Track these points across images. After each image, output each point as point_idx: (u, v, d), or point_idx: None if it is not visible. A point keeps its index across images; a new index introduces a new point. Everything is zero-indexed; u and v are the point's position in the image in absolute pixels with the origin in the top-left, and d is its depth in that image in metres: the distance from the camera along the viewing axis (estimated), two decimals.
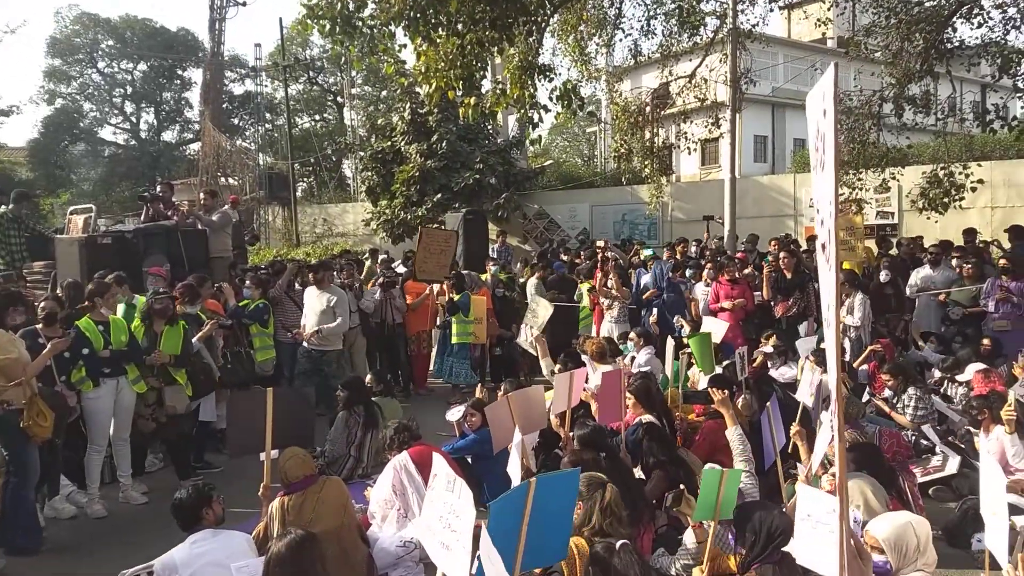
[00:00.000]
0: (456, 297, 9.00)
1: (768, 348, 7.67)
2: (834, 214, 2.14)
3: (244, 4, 29.58)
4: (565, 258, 12.15)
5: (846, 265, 9.34)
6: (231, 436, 4.74)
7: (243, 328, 7.73)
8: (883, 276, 9.08)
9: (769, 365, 7.46)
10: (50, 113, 37.66)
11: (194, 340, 6.38)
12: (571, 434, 4.60)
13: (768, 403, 4.78)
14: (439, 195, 17.64)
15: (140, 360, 5.96)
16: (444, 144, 18.00)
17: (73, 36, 37.89)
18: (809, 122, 2.40)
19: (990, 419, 5.33)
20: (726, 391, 4.92)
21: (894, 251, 10.87)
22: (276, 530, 3.74)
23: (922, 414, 6.17)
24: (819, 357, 6.37)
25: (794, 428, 4.77)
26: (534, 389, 4.90)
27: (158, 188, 10.35)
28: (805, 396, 5.11)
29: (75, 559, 4.99)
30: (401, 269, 11.68)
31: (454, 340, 9.00)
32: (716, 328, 7.34)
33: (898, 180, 11.60)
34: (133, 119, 41.50)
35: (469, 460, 5.46)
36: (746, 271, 9.64)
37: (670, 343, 6.74)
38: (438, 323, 9.42)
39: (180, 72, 40.60)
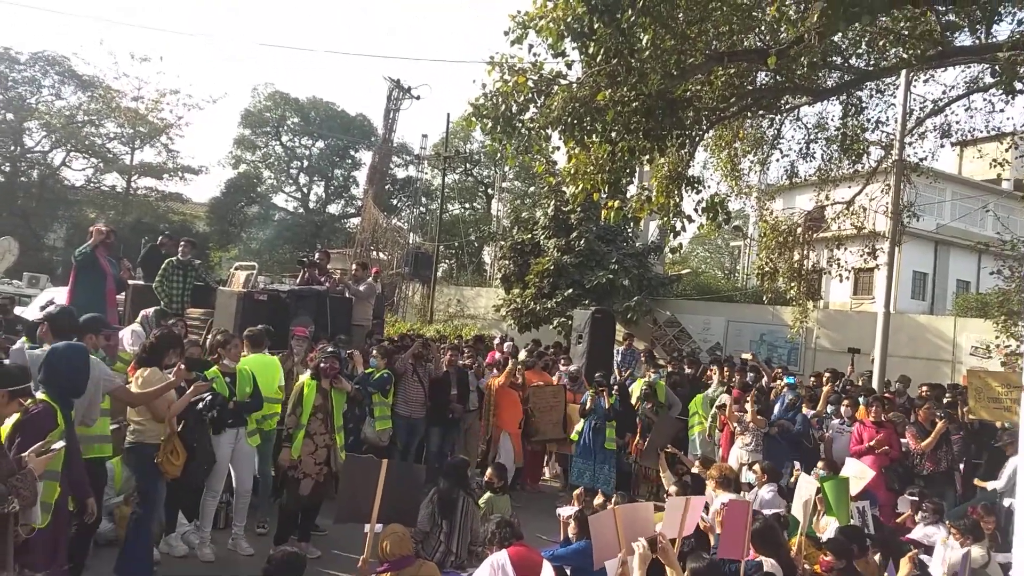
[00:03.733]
0: (613, 401, 8.84)
1: (915, 498, 6.87)
2: None
3: (418, 98, 31.99)
4: (689, 370, 11.73)
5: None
6: (340, 502, 4.80)
7: (367, 396, 7.97)
8: None
9: (917, 520, 6.67)
10: (233, 176, 41.78)
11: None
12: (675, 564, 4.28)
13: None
14: (571, 290, 17.76)
15: (259, 411, 6.23)
16: (582, 242, 18.25)
17: (264, 111, 42.30)
18: None
19: None
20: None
21: None
22: None
23: None
24: (959, 525, 5.65)
25: None
26: (644, 506, 4.65)
27: (316, 255, 11.09)
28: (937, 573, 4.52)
29: None
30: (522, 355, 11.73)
31: (607, 446, 8.79)
32: (859, 472, 6.72)
33: None
34: (304, 190, 45.27)
35: (568, 572, 5.21)
36: (890, 415, 8.87)
37: (809, 488, 6.19)
38: (577, 428, 9.20)
39: (352, 153, 44.11)
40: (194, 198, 41.99)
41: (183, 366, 5.28)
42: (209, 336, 7.09)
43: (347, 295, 10.22)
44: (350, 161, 44.41)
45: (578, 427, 9.09)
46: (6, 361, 4.47)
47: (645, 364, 10.50)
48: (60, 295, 9.25)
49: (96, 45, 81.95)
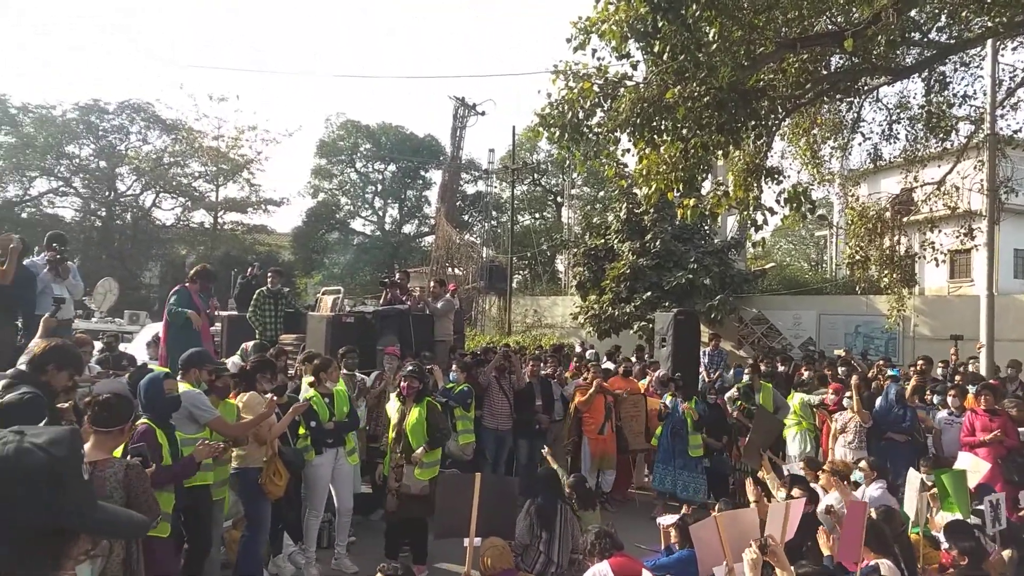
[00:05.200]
0: (692, 406, 8.66)
1: None
2: None
3: (483, 114, 32.37)
4: (782, 368, 11.34)
5: None
6: (438, 517, 4.84)
7: (448, 410, 8.06)
8: None
9: None
10: (313, 205, 43.34)
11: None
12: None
13: None
14: (649, 293, 17.49)
15: (357, 430, 6.39)
16: (658, 243, 17.96)
17: (338, 139, 43.69)
18: None
19: None
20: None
21: None
22: None
23: None
24: None
25: None
26: (747, 511, 4.50)
27: (396, 275, 11.35)
28: None
29: None
30: (608, 365, 11.62)
31: (692, 453, 8.62)
32: (973, 465, 6.33)
33: None
34: (380, 213, 46.43)
35: None
36: (1008, 401, 8.32)
37: (914, 479, 5.90)
38: (656, 433, 9.05)
39: (423, 173, 45.04)
40: (278, 229, 43.73)
41: (274, 396, 5.48)
42: (299, 360, 7.29)
43: (427, 312, 10.39)
44: (421, 181, 45.33)
45: (657, 431, 8.94)
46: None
47: (749, 369, 10.14)
48: (161, 330, 9.73)
49: (177, 89, 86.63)
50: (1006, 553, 5.19)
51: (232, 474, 5.52)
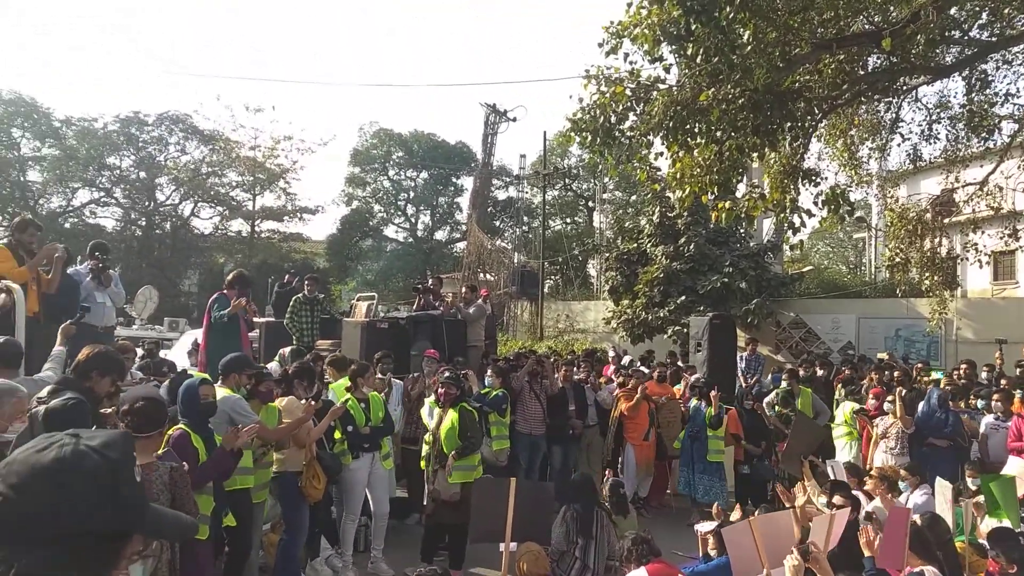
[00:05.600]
0: (711, 411, 8.59)
1: None
2: None
3: (514, 120, 32.40)
4: (821, 372, 11.14)
5: None
6: (473, 521, 4.86)
7: (483, 416, 8.06)
8: None
9: None
10: (347, 213, 43.80)
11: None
12: None
13: None
14: (683, 297, 17.31)
15: (392, 433, 6.44)
16: (692, 247, 17.78)
17: (371, 148, 44.10)
18: None
19: None
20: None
21: None
22: None
23: None
24: None
25: None
26: (783, 515, 4.42)
27: (429, 281, 11.42)
28: None
29: None
30: (643, 370, 11.54)
31: (711, 459, 8.54)
32: (1022, 471, 6.15)
33: None
34: (412, 220, 46.74)
35: None
36: None
37: (946, 491, 5.72)
38: (679, 436, 8.99)
39: (455, 180, 45.26)
40: (313, 236, 44.32)
41: (312, 401, 5.55)
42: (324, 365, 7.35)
43: (459, 317, 10.43)
44: (452, 188, 45.53)
45: (680, 435, 8.87)
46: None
47: (787, 375, 10.00)
48: (200, 336, 9.92)
49: (214, 101, 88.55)
50: None
51: (271, 478, 5.60)
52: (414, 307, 10.88)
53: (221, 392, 5.15)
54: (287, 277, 11.67)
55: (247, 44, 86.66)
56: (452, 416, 6.29)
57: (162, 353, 11.45)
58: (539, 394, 8.79)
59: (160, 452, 4.07)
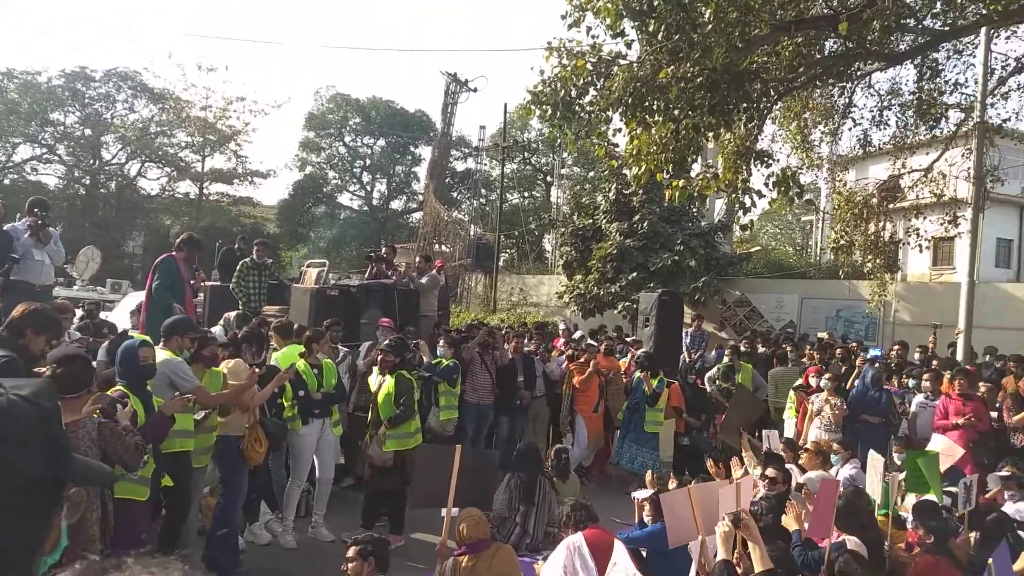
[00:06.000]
0: (655, 383, 8.75)
1: (1005, 473, 6.55)
2: None
3: (475, 91, 32.05)
4: (763, 350, 11.47)
5: None
6: (415, 489, 4.89)
7: (432, 385, 8.09)
8: None
9: (1006, 498, 6.36)
10: (300, 178, 42.97)
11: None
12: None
13: (997, 548, 4.02)
14: (635, 274, 17.54)
15: (345, 402, 6.41)
16: (645, 224, 17.98)
17: (327, 113, 43.24)
18: None
19: None
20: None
21: None
22: None
23: None
24: None
25: None
26: (719, 484, 4.57)
27: (383, 250, 11.29)
28: None
29: None
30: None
31: (647, 429, 8.72)
32: (946, 449, 6.44)
33: None
34: (368, 188, 46.12)
35: (643, 553, 5.17)
36: (980, 385, 8.48)
37: (877, 464, 5.98)
38: (624, 407, 9.17)
39: (412, 149, 44.72)
40: (264, 201, 43.44)
41: (255, 368, 5.48)
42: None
43: (412, 287, 10.38)
44: (410, 157, 45.03)
45: (623, 407, 9.07)
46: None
47: (730, 351, 10.29)
48: (143, 299, 9.66)
49: (165, 59, 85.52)
50: (972, 534, 5.29)
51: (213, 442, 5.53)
52: (366, 275, 10.78)
53: (162, 355, 5.04)
54: (237, 243, 11.42)
55: (201, 1, 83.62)
56: (389, 383, 6.31)
57: (103, 315, 11.13)
58: (489, 365, 8.84)
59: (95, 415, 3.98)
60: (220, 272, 11.00)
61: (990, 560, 3.90)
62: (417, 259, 11.66)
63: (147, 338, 5.19)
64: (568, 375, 9.34)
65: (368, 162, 44.91)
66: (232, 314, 8.06)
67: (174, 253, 7.75)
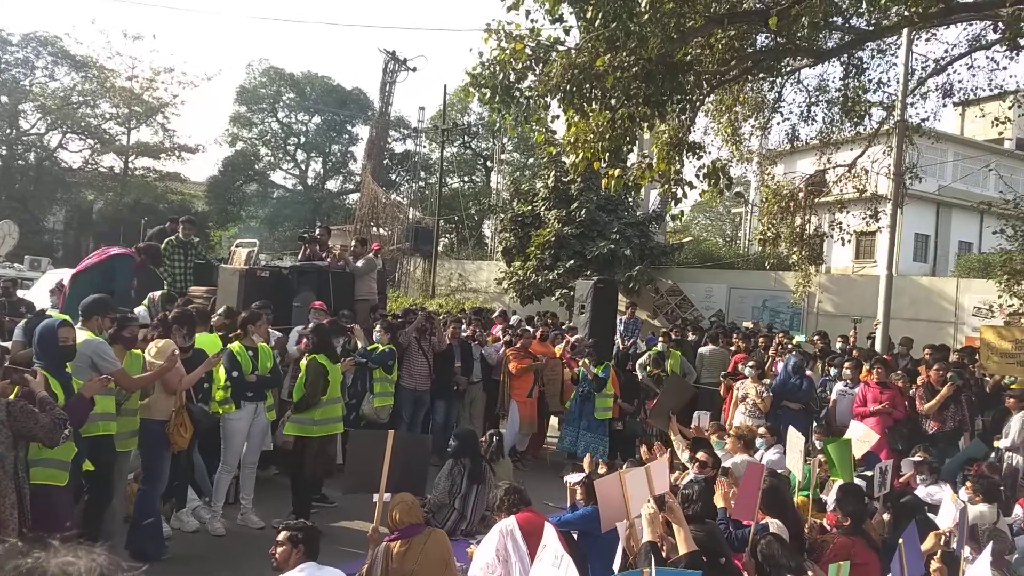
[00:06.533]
0: (599, 371, 8.88)
1: (917, 458, 6.94)
2: None
3: (414, 70, 31.60)
4: (692, 337, 11.79)
5: (1014, 386, 8.43)
6: (347, 474, 4.85)
7: (367, 371, 8.00)
8: None
9: (918, 482, 6.75)
10: (230, 154, 41.64)
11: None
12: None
13: (905, 528, 4.26)
14: (572, 261, 17.73)
15: (279, 387, 6.28)
16: (583, 212, 18.17)
17: (260, 87, 41.98)
18: None
19: None
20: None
21: None
22: (378, 573, 3.74)
23: None
24: (977, 484, 5.75)
25: (935, 565, 4.23)
26: (648, 467, 4.67)
27: (317, 231, 11.07)
28: (946, 526, 4.59)
29: (190, 571, 5.23)
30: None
31: (598, 416, 8.85)
32: (863, 435, 6.76)
33: None
34: (302, 166, 45.08)
35: (575, 536, 5.26)
36: (895, 374, 8.92)
37: (798, 443, 6.25)
38: (572, 395, 9.28)
39: (349, 128, 43.87)
40: (192, 177, 41.99)
41: (176, 351, 5.32)
42: (216, 314, 7.06)
43: (347, 271, 10.22)
44: (347, 136, 44.20)
45: (572, 395, 9.20)
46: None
47: (661, 337, 10.60)
48: (66, 277, 9.22)
49: (88, 24, 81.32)
50: (886, 516, 5.58)
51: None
52: (299, 257, 10.55)
53: (82, 335, 4.84)
54: (168, 224, 11.02)
55: None
56: (302, 366, 6.27)
57: (20, 293, 10.61)
58: (426, 351, 8.80)
59: (12, 397, 3.80)
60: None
61: (900, 539, 4.13)
62: (354, 242, 11.47)
63: (67, 317, 4.98)
64: (504, 361, 9.39)
65: (303, 139, 43.88)
66: (157, 294, 7.79)
67: (133, 254, 7.41)
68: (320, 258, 10.20)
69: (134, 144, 39.27)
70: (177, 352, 5.23)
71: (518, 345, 9.49)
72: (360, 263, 10.40)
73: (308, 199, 41.71)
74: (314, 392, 6.14)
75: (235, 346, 6.03)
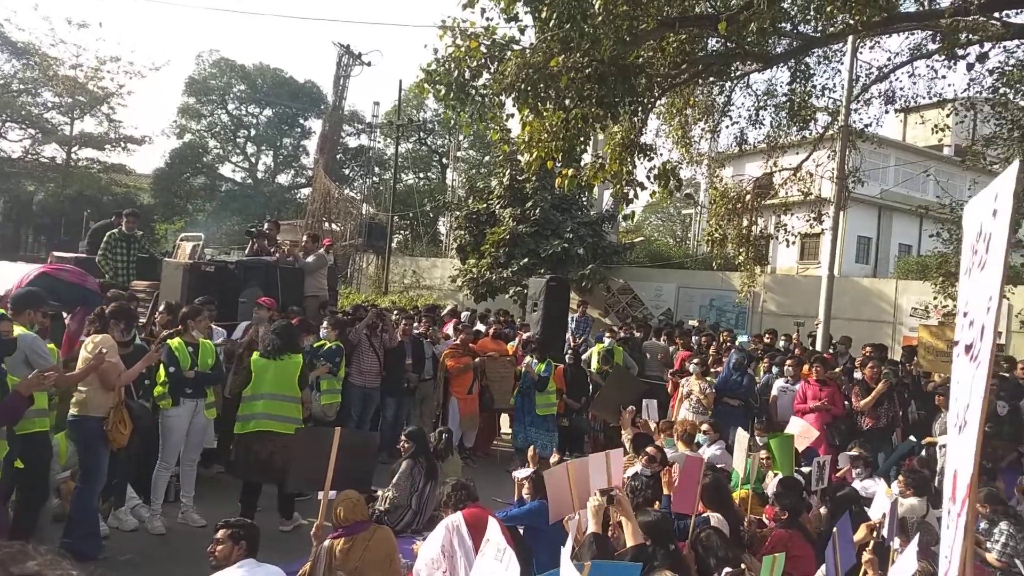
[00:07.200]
0: (540, 369, 8.93)
1: (854, 453, 7.17)
2: (994, 311, 2.00)
3: (368, 64, 31.33)
4: (638, 334, 11.97)
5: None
6: (293, 471, 4.79)
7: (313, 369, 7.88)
8: (1000, 408, 7.89)
9: (854, 476, 6.98)
10: (178, 146, 40.59)
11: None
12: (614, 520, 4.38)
13: (839, 520, 4.42)
14: (526, 259, 17.83)
15: (221, 384, 6.16)
16: (537, 211, 18.28)
17: (209, 78, 41.01)
18: (969, 223, 2.28)
19: None
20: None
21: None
22: (321, 570, 3.72)
23: (1011, 551, 5.57)
24: (910, 478, 5.96)
25: (866, 556, 4.38)
26: (595, 459, 4.74)
27: (265, 225, 10.86)
28: (877, 518, 4.77)
29: (128, 570, 5.11)
30: (480, 327, 11.80)
31: (539, 412, 8.90)
32: (803, 431, 6.96)
33: (1008, 298, 10.88)
34: (252, 159, 44.20)
35: (521, 531, 5.30)
36: (836, 370, 9.21)
37: (742, 439, 6.41)
38: (515, 392, 9.32)
39: (302, 121, 43.16)
40: (138, 169, 40.75)
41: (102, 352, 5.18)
42: (159, 311, 6.91)
43: (297, 266, 10.07)
44: (299, 130, 43.53)
45: (515, 391, 9.27)
46: None
47: (608, 333, 10.78)
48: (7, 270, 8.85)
49: (30, 10, 78.18)
50: (823, 509, 5.75)
51: (70, 422, 5.21)
52: (246, 252, 10.35)
53: (17, 330, 4.69)
54: (114, 217, 10.71)
55: None
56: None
57: None
58: (377, 348, 8.73)
59: None
60: (89, 245, 10.28)
61: (835, 528, 4.28)
62: (304, 237, 11.29)
63: (4, 311, 4.82)
64: (443, 358, 9.38)
65: (253, 132, 43.04)
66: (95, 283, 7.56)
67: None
68: (268, 253, 10.02)
69: (78, 134, 37.95)
70: (102, 351, 5.06)
71: (457, 342, 9.49)
72: (310, 259, 10.25)
73: (258, 193, 40.94)
74: (235, 383, 6.10)
75: (174, 341, 5.90)
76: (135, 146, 39.08)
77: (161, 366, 5.85)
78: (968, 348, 2.13)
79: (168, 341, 5.94)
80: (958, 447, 2.13)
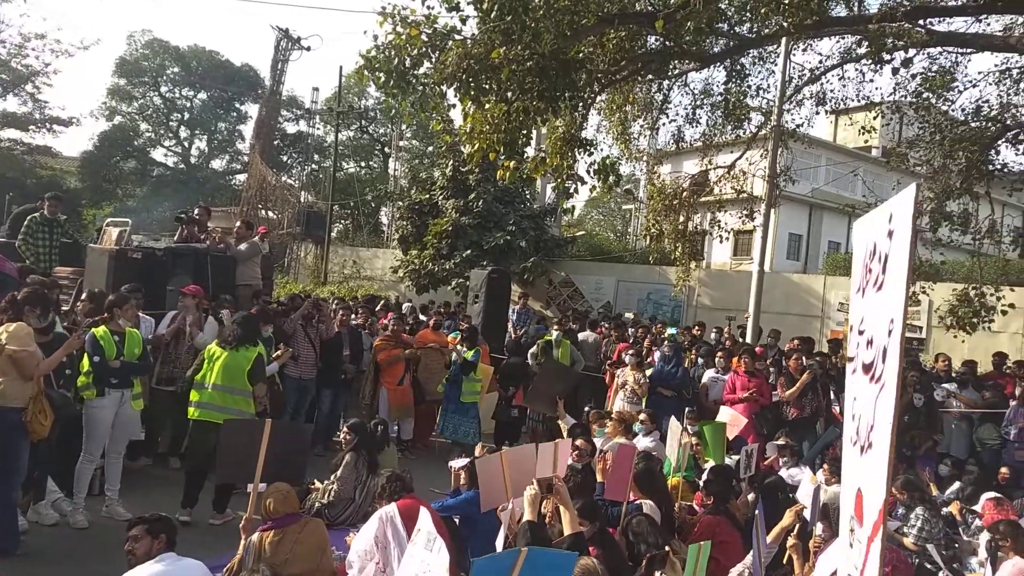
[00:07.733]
0: (469, 355, 8.94)
1: (780, 442, 7.45)
2: (898, 335, 1.91)
3: (308, 49, 30.66)
4: (574, 327, 12.12)
5: None
6: (221, 463, 4.68)
7: None
8: (916, 400, 8.35)
9: (781, 464, 7.24)
10: (107, 129, 38.99)
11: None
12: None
13: (759, 508, 4.57)
14: (469, 251, 17.82)
15: (149, 375, 5.97)
16: (480, 203, 18.28)
17: (141, 59, 39.48)
18: (860, 240, 2.27)
19: (1010, 548, 5.07)
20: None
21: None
22: (249, 563, 3.66)
23: (926, 536, 5.89)
24: (834, 466, 6.20)
25: (791, 540, 4.56)
26: (529, 447, 4.79)
27: (195, 211, 10.54)
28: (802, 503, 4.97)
29: (48, 566, 4.92)
30: (421, 318, 11.76)
31: (464, 399, 8.90)
32: (732, 420, 7.18)
33: (928, 295, 11.43)
34: (186, 144, 42.80)
35: (456, 520, 5.32)
36: (766, 361, 9.52)
37: (676, 428, 6.56)
38: (444, 380, 9.30)
39: (237, 105, 41.97)
40: (65, 152, 38.96)
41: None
42: (81, 299, 6.65)
43: (228, 254, 9.81)
44: (235, 114, 42.34)
45: (443, 379, 9.25)
46: None
47: (555, 325, 10.89)
48: None
49: None
50: (751, 496, 5.95)
51: None
52: (176, 238, 10.03)
53: None
54: (40, 202, 10.23)
55: None
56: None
57: None
58: (313, 338, 8.59)
59: None
60: (10, 229, 9.81)
61: (756, 511, 4.45)
62: (238, 224, 11.00)
63: None
64: (373, 349, 9.30)
65: (186, 116, 41.67)
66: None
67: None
68: (198, 240, 9.73)
69: (0, 114, 36.03)
70: (29, 336, 4.85)
71: (388, 334, 9.42)
72: (243, 246, 9.99)
73: (191, 178, 39.66)
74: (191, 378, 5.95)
75: (99, 330, 5.69)
76: (61, 128, 37.25)
77: (85, 355, 5.64)
78: (867, 368, 2.12)
79: (93, 330, 5.73)
80: (863, 466, 2.10)
